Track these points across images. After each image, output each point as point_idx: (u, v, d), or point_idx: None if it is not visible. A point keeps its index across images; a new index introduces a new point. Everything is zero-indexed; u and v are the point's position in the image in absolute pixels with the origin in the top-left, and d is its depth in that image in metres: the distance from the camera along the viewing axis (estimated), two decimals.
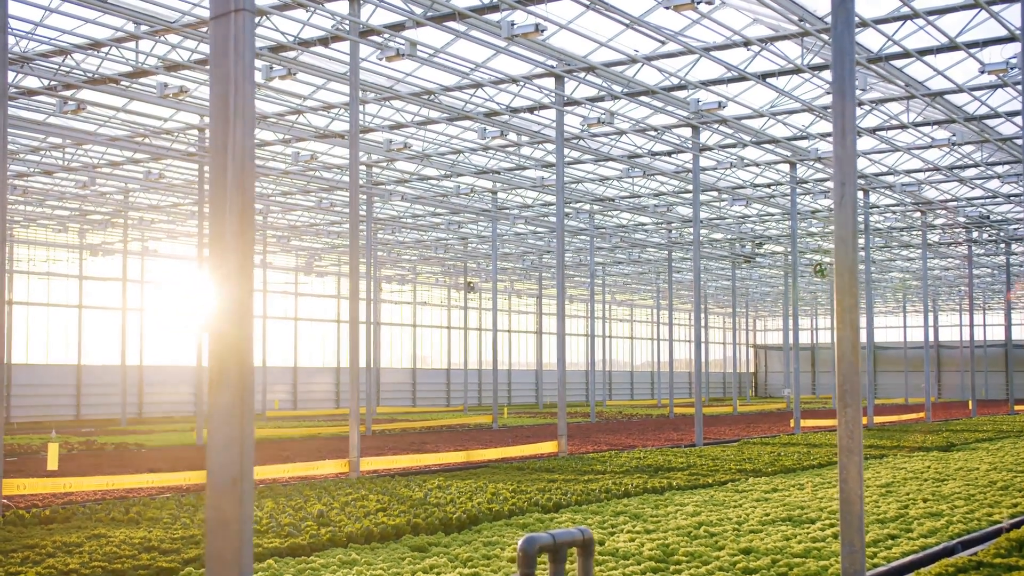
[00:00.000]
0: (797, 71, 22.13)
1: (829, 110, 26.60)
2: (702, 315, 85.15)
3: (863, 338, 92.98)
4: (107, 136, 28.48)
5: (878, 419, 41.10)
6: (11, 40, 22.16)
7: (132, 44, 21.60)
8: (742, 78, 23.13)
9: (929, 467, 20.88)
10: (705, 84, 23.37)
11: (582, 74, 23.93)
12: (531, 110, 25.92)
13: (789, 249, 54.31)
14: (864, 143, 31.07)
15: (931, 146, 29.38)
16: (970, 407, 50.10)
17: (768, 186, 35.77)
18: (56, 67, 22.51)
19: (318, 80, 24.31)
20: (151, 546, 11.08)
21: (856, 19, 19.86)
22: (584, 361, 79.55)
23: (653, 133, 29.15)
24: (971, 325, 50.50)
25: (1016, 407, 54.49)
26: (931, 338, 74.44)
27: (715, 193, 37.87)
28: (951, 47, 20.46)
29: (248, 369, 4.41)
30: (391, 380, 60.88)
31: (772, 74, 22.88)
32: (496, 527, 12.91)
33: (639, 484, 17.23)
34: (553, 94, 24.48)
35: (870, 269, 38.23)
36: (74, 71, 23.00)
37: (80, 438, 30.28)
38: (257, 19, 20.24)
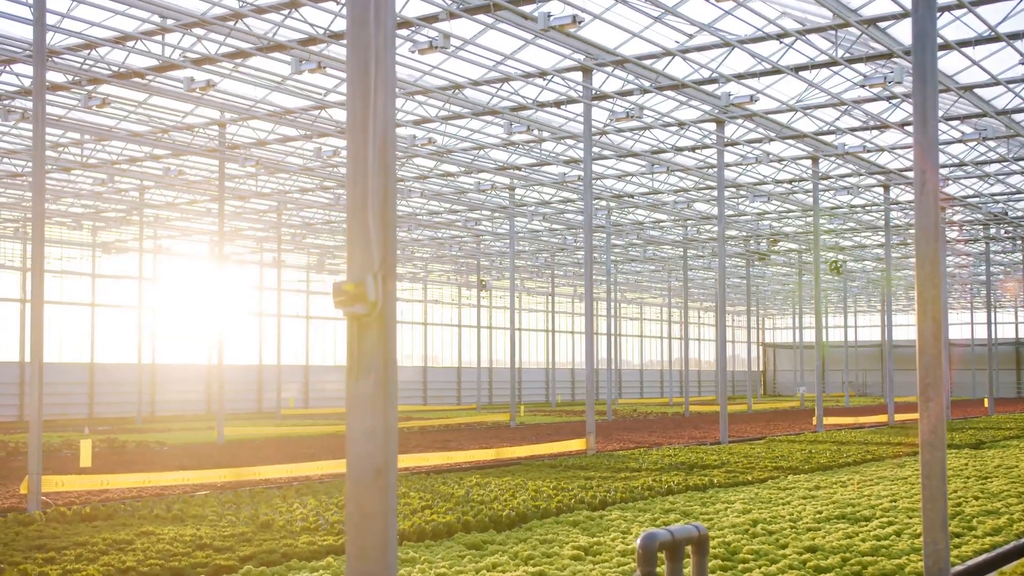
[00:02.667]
0: (833, 63, 21.84)
1: (857, 104, 26.35)
2: (718, 314, 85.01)
3: (883, 337, 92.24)
4: (128, 131, 28.24)
5: (898, 416, 40.81)
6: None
7: (158, 38, 21.35)
8: (775, 71, 22.85)
9: (967, 464, 20.65)
10: (738, 77, 23.06)
11: (610, 68, 23.69)
12: (558, 104, 25.65)
13: (802, 247, 54.08)
14: (890, 137, 30.83)
15: (959, 141, 29.08)
16: (986, 405, 49.86)
17: (790, 182, 35.49)
18: (82, 60, 22.24)
19: (341, 74, 23.97)
20: (204, 544, 10.84)
21: (899, 9, 19.63)
22: (597, 359, 79.34)
23: (676, 128, 28.88)
24: (988, 323, 50.15)
25: None
26: (951, 336, 74.05)
27: (733, 189, 37.60)
28: (991, 38, 20.17)
29: (392, 352, 4.17)
30: (402, 378, 60.64)
31: (805, 67, 22.59)
32: (546, 525, 12.67)
33: (680, 482, 16.98)
34: (580, 86, 24.21)
35: (891, 269, 37.99)
36: (98, 64, 22.74)
37: (99, 436, 30.03)
38: (286, 11, 20.00)
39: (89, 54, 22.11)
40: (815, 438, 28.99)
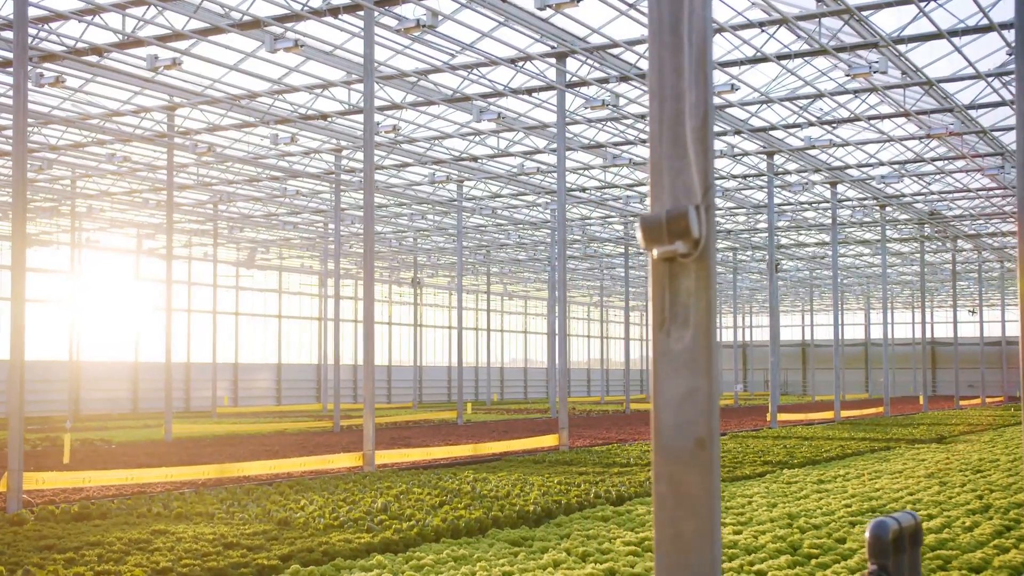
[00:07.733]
0: (822, 52, 21.48)
1: (833, 95, 26.16)
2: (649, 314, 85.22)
3: (803, 336, 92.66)
4: (79, 114, 26.82)
5: (844, 413, 41.01)
6: None
7: (119, 11, 20.14)
8: (755, 59, 22.45)
9: (949, 458, 20.49)
10: (721, 65, 22.61)
11: (584, 56, 23.10)
12: (530, 91, 24.96)
13: (736, 245, 54.16)
14: (845, 131, 30.83)
15: (927, 136, 29.03)
16: (921, 402, 50.67)
17: (745, 177, 35.33)
18: (36, 32, 20.88)
19: (310, 52, 22.88)
20: (231, 543, 9.98)
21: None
22: (522, 359, 78.97)
23: (638, 119, 28.39)
24: (923, 323, 50.79)
25: (961, 402, 55.30)
26: (874, 336, 75.28)
27: None
28: (985, 27, 19.97)
29: (715, 300, 3.50)
30: (331, 376, 59.24)
31: (788, 56, 22.25)
32: (576, 520, 12.05)
33: None
34: (553, 70, 23.57)
35: (837, 266, 38.10)
36: (49, 38, 21.43)
37: (37, 435, 28.54)
38: None
39: (42, 27, 20.80)
40: (777, 434, 28.82)
